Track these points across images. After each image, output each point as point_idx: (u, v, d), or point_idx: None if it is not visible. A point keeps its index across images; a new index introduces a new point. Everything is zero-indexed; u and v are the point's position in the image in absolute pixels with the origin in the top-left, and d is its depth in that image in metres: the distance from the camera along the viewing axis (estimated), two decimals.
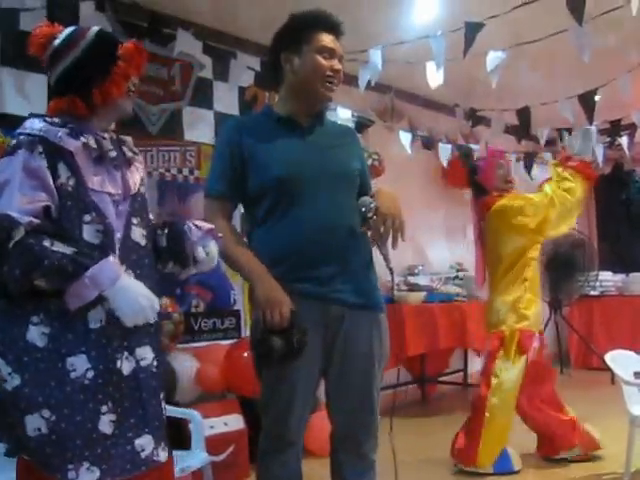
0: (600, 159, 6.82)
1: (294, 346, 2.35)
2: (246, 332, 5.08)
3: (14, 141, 2.04)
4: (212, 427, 4.11)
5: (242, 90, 5.63)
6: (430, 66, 4.76)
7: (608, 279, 8.95)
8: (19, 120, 4.15)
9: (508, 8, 4.18)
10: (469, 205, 8.00)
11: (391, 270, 2.56)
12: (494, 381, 4.36)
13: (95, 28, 2.22)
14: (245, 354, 4.02)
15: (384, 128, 6.53)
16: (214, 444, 3.89)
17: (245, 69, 5.24)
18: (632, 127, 6.58)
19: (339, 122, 5.51)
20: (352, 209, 2.58)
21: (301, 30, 2.59)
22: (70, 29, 2.20)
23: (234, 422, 4.29)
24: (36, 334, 1.94)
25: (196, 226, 2.35)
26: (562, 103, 5.58)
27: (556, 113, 5.73)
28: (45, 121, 2.07)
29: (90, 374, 1.97)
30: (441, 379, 7.46)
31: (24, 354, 1.94)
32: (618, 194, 9.34)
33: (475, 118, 6.74)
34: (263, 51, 5.70)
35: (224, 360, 4.56)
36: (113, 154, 2.18)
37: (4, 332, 1.97)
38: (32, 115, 2.15)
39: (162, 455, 2.14)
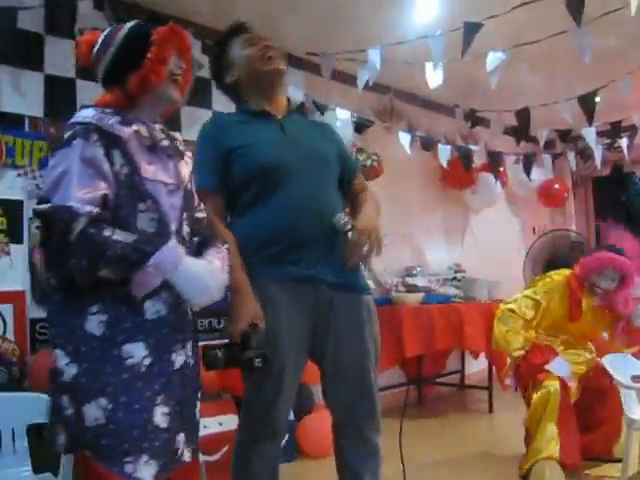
0: (598, 161, 6.84)
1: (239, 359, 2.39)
2: None
3: (69, 132, 2.03)
4: (206, 427, 4.11)
5: None
6: (429, 66, 4.76)
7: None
8: (16, 118, 4.20)
9: (508, 8, 4.19)
10: (467, 206, 8.06)
11: (379, 283, 2.78)
12: None
13: (130, 23, 2.24)
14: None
15: (383, 129, 6.51)
16: (208, 444, 3.88)
17: None
18: (632, 129, 6.58)
19: (338, 123, 5.57)
20: (333, 194, 2.72)
21: (222, 44, 2.81)
22: (108, 29, 2.25)
23: (229, 422, 4.28)
24: (94, 323, 1.95)
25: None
26: (562, 104, 5.58)
27: (556, 114, 5.74)
28: (96, 110, 2.08)
29: (147, 361, 1.98)
30: (438, 380, 7.44)
31: (82, 344, 1.94)
32: (617, 196, 9.33)
33: (474, 119, 6.74)
34: None
35: None
36: (165, 143, 2.21)
37: (63, 325, 1.98)
38: (84, 106, 2.15)
39: (186, 455, 2.15)
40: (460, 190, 7.79)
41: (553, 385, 4.20)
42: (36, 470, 3.08)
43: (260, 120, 2.71)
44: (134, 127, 2.09)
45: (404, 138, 6.10)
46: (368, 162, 6.05)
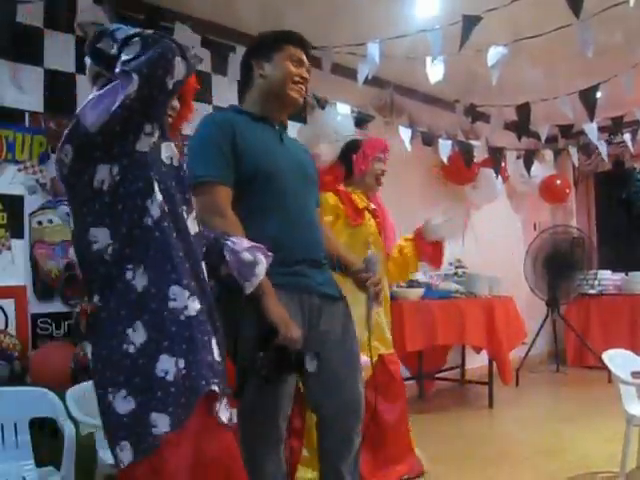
0: (604, 155, 6.82)
1: (294, 364, 2.39)
2: None
3: None
4: None
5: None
6: (429, 61, 4.77)
7: (607, 278, 8.94)
8: (16, 113, 4.22)
9: (507, 2, 4.18)
10: (468, 201, 8.07)
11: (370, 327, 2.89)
12: None
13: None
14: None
15: (384, 124, 6.52)
16: None
17: None
18: (635, 124, 6.58)
19: (338, 117, 5.60)
20: (315, 210, 2.91)
21: (273, 41, 2.77)
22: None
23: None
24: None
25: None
26: (562, 100, 5.57)
27: (557, 110, 5.73)
28: None
29: (133, 349, 1.86)
30: (439, 376, 7.47)
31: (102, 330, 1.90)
32: (618, 192, 9.34)
33: (475, 114, 6.73)
34: None
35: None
36: None
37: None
38: None
39: None
40: (461, 185, 7.80)
41: None
42: (39, 463, 3.12)
43: (261, 125, 2.75)
44: None
45: (405, 133, 6.08)
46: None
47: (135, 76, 1.77)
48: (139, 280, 1.87)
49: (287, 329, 2.37)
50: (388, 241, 4.13)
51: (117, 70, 1.83)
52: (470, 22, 4.30)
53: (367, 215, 3.96)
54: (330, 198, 3.90)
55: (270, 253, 2.38)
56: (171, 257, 1.88)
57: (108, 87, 1.83)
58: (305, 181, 2.81)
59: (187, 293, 1.88)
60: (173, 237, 1.91)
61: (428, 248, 4.32)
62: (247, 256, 2.32)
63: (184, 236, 1.97)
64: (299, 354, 2.37)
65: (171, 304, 1.86)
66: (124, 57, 1.83)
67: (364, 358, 3.03)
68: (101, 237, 1.88)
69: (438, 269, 5.13)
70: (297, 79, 2.73)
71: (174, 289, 1.87)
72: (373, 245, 3.89)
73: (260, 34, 2.87)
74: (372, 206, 4.08)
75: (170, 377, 1.81)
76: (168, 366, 1.82)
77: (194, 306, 1.89)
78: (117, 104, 1.78)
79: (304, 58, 2.78)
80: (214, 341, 1.95)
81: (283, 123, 2.90)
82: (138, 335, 1.84)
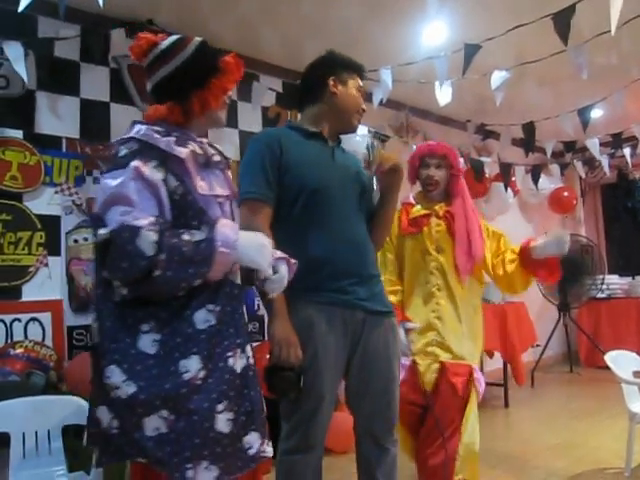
0: (606, 169, 6.83)
1: (299, 385, 2.34)
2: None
3: (125, 150, 1.94)
4: None
5: (264, 110, 5.63)
6: (438, 85, 4.78)
7: (615, 282, 8.82)
8: (54, 139, 4.22)
9: (504, 32, 4.20)
10: (481, 214, 7.96)
11: None
12: None
13: (198, 38, 2.12)
14: (267, 355, 3.98)
15: (400, 143, 6.44)
16: None
17: (267, 90, 5.31)
18: (634, 139, 6.53)
19: (357, 137, 5.51)
20: (364, 225, 2.72)
21: (347, 66, 2.74)
22: (174, 37, 2.10)
23: None
24: (147, 342, 1.86)
25: None
26: (563, 117, 5.57)
27: (561, 127, 5.69)
28: (152, 128, 1.98)
29: (202, 374, 1.87)
30: None
31: (137, 363, 1.84)
32: (624, 202, 9.25)
33: (485, 132, 6.69)
34: (283, 73, 5.71)
35: None
36: (217, 158, 2.14)
37: (118, 341, 1.85)
38: (137, 122, 2.05)
39: (269, 450, 2.09)
40: (474, 199, 7.70)
41: None
42: (71, 469, 3.05)
43: (313, 142, 2.66)
44: (190, 147, 2.00)
45: None
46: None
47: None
48: None
49: (282, 350, 2.31)
50: (461, 246, 3.49)
51: None
52: (471, 49, 4.34)
53: (434, 221, 3.46)
54: None
55: (294, 260, 2.23)
56: None
57: None
58: (355, 196, 2.69)
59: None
60: None
61: (540, 268, 3.46)
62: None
63: None
64: (297, 374, 2.32)
65: None
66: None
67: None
68: None
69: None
70: (359, 107, 2.72)
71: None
72: (437, 248, 3.38)
73: (332, 53, 2.77)
74: (443, 210, 3.47)
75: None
76: None
77: None
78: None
79: (363, 90, 2.77)
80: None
81: (337, 138, 2.79)
82: None
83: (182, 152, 1.96)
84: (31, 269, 4.15)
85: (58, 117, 4.38)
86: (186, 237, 1.84)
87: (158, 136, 1.95)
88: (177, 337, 1.87)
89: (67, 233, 4.34)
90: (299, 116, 2.84)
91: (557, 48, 4.12)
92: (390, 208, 2.80)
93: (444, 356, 3.24)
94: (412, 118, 6.76)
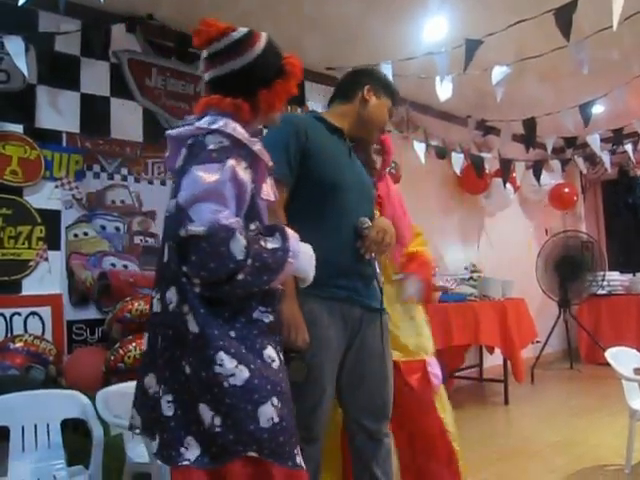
0: (608, 164, 6.82)
1: (305, 370, 2.34)
2: None
3: (218, 143, 1.83)
4: None
5: None
6: (439, 80, 4.78)
7: (615, 279, 8.83)
8: (54, 134, 4.22)
9: (505, 28, 4.21)
10: (482, 210, 7.98)
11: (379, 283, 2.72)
12: None
13: (265, 34, 2.05)
14: None
15: (401, 138, 6.43)
16: None
17: None
18: (635, 135, 6.52)
19: None
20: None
21: (388, 89, 2.82)
22: (244, 30, 2.01)
23: None
24: (233, 331, 1.81)
25: None
26: (564, 113, 5.55)
27: (562, 123, 5.68)
28: (237, 126, 1.88)
29: (277, 363, 1.87)
30: (458, 374, 7.35)
31: (239, 347, 1.79)
32: (625, 198, 9.24)
33: (486, 128, 6.69)
34: None
35: None
36: (270, 162, 2.04)
37: (217, 327, 1.78)
38: (221, 114, 1.91)
39: None
40: (475, 195, 7.71)
41: None
42: (73, 463, 3.06)
43: (335, 137, 2.68)
44: (258, 146, 1.93)
45: (419, 148, 6.06)
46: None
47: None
48: None
49: (290, 333, 2.30)
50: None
51: None
52: (472, 45, 4.34)
53: None
54: None
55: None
56: None
57: None
58: (364, 198, 2.71)
59: None
60: None
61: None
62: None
63: None
64: (303, 358, 2.32)
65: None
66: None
67: None
68: None
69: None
70: (383, 128, 2.84)
71: None
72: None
73: (376, 71, 2.98)
74: None
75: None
76: None
77: None
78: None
79: (392, 112, 2.85)
80: None
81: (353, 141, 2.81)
82: None
83: (265, 155, 1.93)
84: (31, 263, 4.16)
85: (58, 112, 4.38)
86: (263, 244, 1.82)
87: (247, 135, 1.89)
88: (254, 329, 1.85)
89: (67, 227, 4.34)
90: (298, 110, 2.85)
91: (558, 43, 4.13)
92: None
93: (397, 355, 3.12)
94: (412, 113, 6.75)
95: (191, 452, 1.77)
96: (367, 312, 2.64)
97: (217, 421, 1.75)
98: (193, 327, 1.78)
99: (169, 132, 1.99)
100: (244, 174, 1.83)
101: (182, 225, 1.74)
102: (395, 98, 2.83)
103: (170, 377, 1.81)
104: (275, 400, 1.80)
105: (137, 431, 1.95)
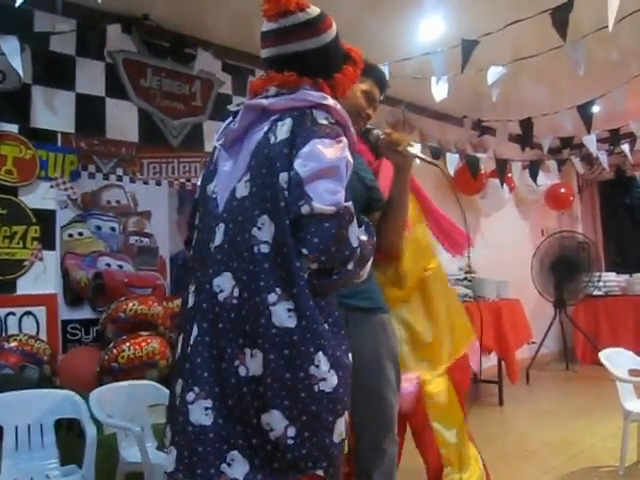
0: (605, 165, 6.82)
1: None
2: None
3: (325, 119, 1.72)
4: None
5: None
6: (434, 81, 4.77)
7: (612, 279, 8.81)
8: (49, 134, 4.25)
9: (502, 27, 4.20)
10: (478, 210, 7.98)
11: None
12: None
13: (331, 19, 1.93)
14: None
15: None
16: None
17: None
18: (632, 135, 6.53)
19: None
20: None
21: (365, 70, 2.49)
22: (318, 10, 1.90)
23: None
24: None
25: None
26: (562, 113, 5.55)
27: (559, 123, 5.69)
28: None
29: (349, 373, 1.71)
30: None
31: (335, 348, 1.64)
32: (622, 199, 9.26)
33: (482, 128, 6.69)
34: None
35: None
36: None
37: (320, 323, 1.62)
38: (304, 87, 1.79)
39: None
40: (470, 195, 7.71)
41: None
42: (63, 462, 3.07)
43: None
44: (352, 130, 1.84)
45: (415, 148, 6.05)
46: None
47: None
48: None
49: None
50: None
51: None
52: (469, 45, 4.33)
53: None
54: None
55: None
56: None
57: None
58: (358, 196, 2.55)
59: None
60: None
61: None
62: None
63: None
64: None
65: None
66: None
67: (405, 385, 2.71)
68: None
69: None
70: (362, 114, 2.51)
71: None
72: None
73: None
74: None
75: None
76: None
77: None
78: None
79: (377, 99, 2.59)
80: None
81: None
82: None
83: (354, 140, 1.84)
84: (26, 263, 4.16)
85: (54, 111, 4.38)
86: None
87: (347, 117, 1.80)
88: (341, 330, 1.74)
89: (62, 227, 4.34)
90: None
91: (554, 43, 4.13)
92: (397, 207, 2.46)
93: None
94: (408, 114, 6.75)
95: (236, 469, 1.55)
96: (352, 312, 2.43)
97: (291, 432, 1.54)
98: (283, 320, 1.56)
99: (248, 102, 1.84)
100: (349, 155, 1.72)
101: (303, 201, 1.58)
102: (375, 75, 2.61)
103: (211, 379, 1.61)
104: (347, 415, 1.64)
105: (166, 450, 1.69)
